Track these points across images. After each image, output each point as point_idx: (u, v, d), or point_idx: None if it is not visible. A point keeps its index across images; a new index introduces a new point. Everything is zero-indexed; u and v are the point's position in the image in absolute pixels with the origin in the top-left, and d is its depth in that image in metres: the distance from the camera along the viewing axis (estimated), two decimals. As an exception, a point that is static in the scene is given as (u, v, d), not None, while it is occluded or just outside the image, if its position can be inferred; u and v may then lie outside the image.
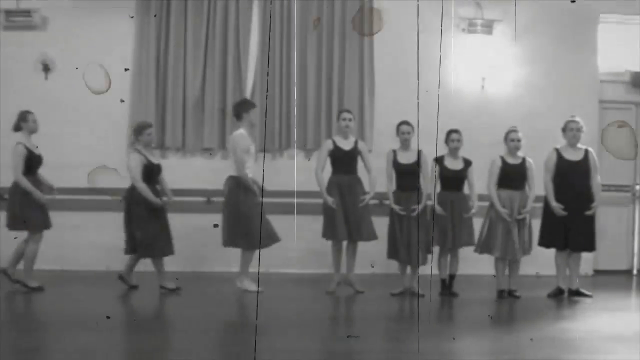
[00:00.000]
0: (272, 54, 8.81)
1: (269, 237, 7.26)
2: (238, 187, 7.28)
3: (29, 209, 7.15)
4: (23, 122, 7.28)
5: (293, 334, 5.58)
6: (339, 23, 8.92)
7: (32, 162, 7.25)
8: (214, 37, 8.84)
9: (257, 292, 6.94)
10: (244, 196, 7.25)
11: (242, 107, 7.52)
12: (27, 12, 8.63)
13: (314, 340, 5.49)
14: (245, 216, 7.18)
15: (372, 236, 7.39)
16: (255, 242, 7.11)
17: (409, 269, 7.30)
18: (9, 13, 8.65)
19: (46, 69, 8.73)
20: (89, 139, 8.63)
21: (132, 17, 8.61)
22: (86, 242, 8.48)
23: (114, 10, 8.71)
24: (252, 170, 7.37)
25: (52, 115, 8.16)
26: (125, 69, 8.34)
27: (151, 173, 7.34)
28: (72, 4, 8.67)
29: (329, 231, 7.35)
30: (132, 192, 7.22)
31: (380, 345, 5.47)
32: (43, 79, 8.74)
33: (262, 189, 7.07)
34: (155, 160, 7.51)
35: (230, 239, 7.29)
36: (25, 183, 7.15)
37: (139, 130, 7.45)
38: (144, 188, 7.17)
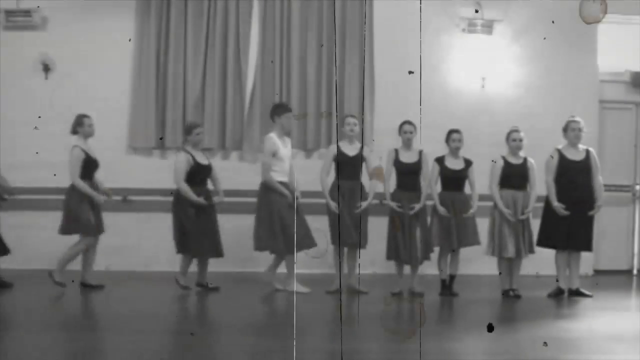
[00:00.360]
0: (272, 54, 8.82)
1: (306, 239, 7.17)
2: (266, 191, 7.26)
3: (85, 214, 7.11)
4: (79, 126, 7.28)
5: (299, 334, 5.58)
6: (339, 23, 8.92)
7: (89, 166, 7.23)
8: (214, 37, 8.84)
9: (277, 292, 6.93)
10: (274, 200, 7.19)
11: (275, 111, 7.48)
12: (27, 12, 8.62)
13: (317, 339, 5.50)
14: (275, 220, 7.15)
15: (363, 244, 7.33)
16: (284, 245, 7.12)
17: (408, 269, 7.30)
18: (9, 13, 8.64)
19: (46, 69, 8.72)
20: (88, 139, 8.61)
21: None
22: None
23: (114, 9, 8.71)
24: (284, 174, 7.32)
25: (52, 115, 8.14)
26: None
27: (198, 173, 7.26)
28: (72, 4, 8.67)
29: (334, 237, 7.34)
30: (178, 192, 7.19)
31: (381, 345, 5.47)
32: (43, 79, 8.73)
33: (295, 195, 7.08)
34: (204, 160, 7.41)
35: (258, 243, 7.29)
36: (82, 186, 7.13)
37: (187, 130, 7.44)
38: (184, 188, 7.12)
